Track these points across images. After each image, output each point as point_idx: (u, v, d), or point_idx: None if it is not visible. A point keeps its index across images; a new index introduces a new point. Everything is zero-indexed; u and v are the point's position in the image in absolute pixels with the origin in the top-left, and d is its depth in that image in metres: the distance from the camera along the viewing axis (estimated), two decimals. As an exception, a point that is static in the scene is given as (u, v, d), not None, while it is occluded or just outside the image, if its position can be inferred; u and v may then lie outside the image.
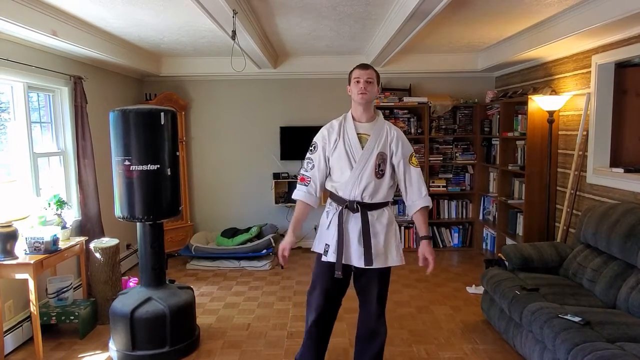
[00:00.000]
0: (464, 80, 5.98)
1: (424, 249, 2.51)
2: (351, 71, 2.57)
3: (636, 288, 2.80)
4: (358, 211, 2.49)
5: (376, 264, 2.48)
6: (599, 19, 3.21)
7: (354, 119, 2.57)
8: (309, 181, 2.57)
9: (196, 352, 3.28)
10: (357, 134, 2.53)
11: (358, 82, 2.49)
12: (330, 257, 2.50)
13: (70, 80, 4.11)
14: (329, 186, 2.61)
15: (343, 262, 2.47)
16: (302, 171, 2.61)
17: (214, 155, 6.06)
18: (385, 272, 2.56)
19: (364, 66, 2.54)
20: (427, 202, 2.60)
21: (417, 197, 2.60)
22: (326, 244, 2.53)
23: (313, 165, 2.57)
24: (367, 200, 2.49)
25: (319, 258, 2.58)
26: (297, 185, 2.61)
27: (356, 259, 2.48)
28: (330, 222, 2.54)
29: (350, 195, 2.50)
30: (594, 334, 2.47)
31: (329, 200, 2.62)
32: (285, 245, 2.54)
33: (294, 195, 2.61)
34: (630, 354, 2.24)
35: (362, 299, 2.63)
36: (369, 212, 2.51)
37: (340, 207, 2.52)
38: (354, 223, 2.50)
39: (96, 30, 3.99)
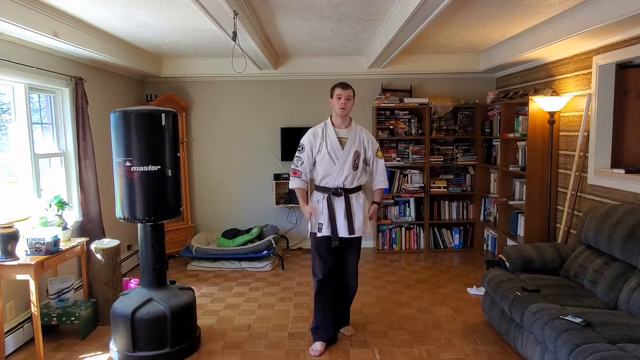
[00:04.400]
0: (464, 81, 5.98)
1: (373, 208, 3.41)
2: (333, 88, 3.27)
3: (637, 289, 2.80)
4: (342, 195, 3.24)
5: (358, 233, 3.26)
6: (600, 19, 3.21)
7: (334, 125, 3.29)
8: (300, 173, 3.30)
9: (197, 353, 3.28)
10: (338, 138, 3.25)
11: (339, 98, 3.21)
12: (325, 232, 3.22)
13: (71, 81, 4.11)
14: (317, 180, 3.30)
15: (333, 234, 3.21)
16: (293, 166, 3.33)
17: (214, 156, 6.06)
18: (360, 241, 3.39)
19: (344, 85, 3.26)
20: (385, 185, 3.42)
21: (378, 181, 3.41)
22: (320, 223, 3.24)
23: (302, 162, 3.29)
24: (347, 186, 3.25)
25: (314, 236, 3.28)
26: (291, 177, 3.33)
27: (343, 231, 3.23)
28: (322, 207, 3.24)
29: (335, 183, 3.24)
30: (595, 335, 2.47)
31: (315, 193, 3.33)
32: (309, 211, 3.26)
33: (291, 185, 3.34)
34: (631, 355, 2.23)
35: (344, 260, 3.37)
36: (349, 195, 3.26)
37: (327, 194, 3.24)
38: (339, 204, 3.24)
39: (97, 32, 4.00)
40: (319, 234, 3.23)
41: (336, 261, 3.31)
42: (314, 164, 3.30)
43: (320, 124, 3.32)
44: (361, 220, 3.26)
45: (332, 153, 3.22)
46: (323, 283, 3.28)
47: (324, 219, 3.22)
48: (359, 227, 3.26)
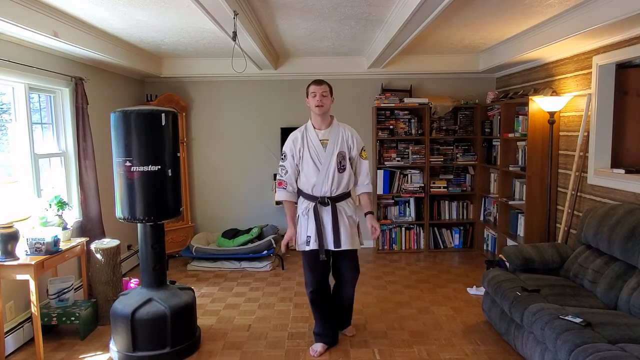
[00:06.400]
0: (464, 81, 5.98)
1: (371, 220, 3.15)
2: (308, 86, 3.09)
3: (637, 289, 2.80)
4: (329, 204, 3.04)
5: (345, 247, 3.03)
6: (600, 19, 3.21)
7: (314, 127, 3.10)
8: (286, 184, 3.12)
9: (197, 353, 3.28)
10: (320, 140, 3.06)
11: (314, 95, 3.02)
12: (313, 246, 3.04)
13: (71, 81, 4.11)
14: (303, 188, 3.11)
15: (320, 247, 3.02)
16: (278, 177, 3.15)
17: (214, 156, 6.06)
18: (353, 251, 3.15)
19: (318, 82, 3.07)
20: (369, 189, 3.19)
21: (361, 184, 3.18)
22: (307, 236, 3.06)
23: (287, 171, 3.10)
24: (334, 193, 3.04)
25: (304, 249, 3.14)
26: (277, 189, 3.15)
27: (330, 244, 3.03)
28: (308, 218, 3.07)
29: (321, 191, 3.04)
30: (595, 335, 2.47)
31: (301, 199, 3.15)
32: (290, 236, 3.11)
33: (278, 197, 3.17)
34: (631, 355, 2.23)
35: (339, 272, 3.21)
36: (337, 204, 3.05)
37: (314, 203, 3.04)
38: (326, 215, 3.04)
39: (97, 32, 4.00)
40: (307, 248, 3.08)
41: (327, 272, 3.20)
42: (299, 171, 3.12)
43: (301, 127, 3.15)
44: (349, 231, 3.05)
45: (316, 158, 3.03)
46: (315, 294, 3.20)
47: (311, 231, 3.04)
48: (346, 239, 3.03)
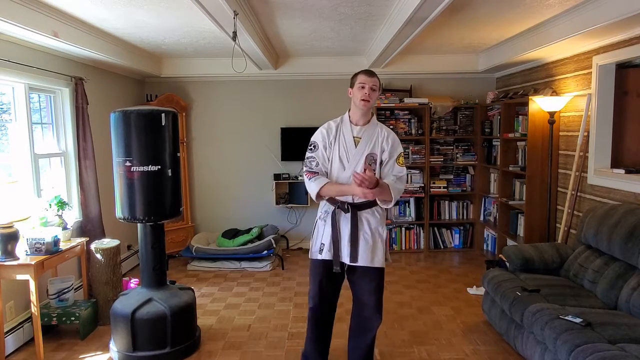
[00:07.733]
0: (464, 81, 5.98)
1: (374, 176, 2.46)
2: (356, 74, 2.65)
3: (637, 289, 2.80)
4: (349, 211, 2.63)
5: (362, 262, 2.62)
6: (600, 19, 3.21)
7: (351, 121, 2.70)
8: (318, 174, 2.66)
9: (197, 353, 3.28)
10: (354, 137, 2.67)
11: (363, 87, 2.59)
12: (325, 255, 2.66)
13: (71, 81, 4.11)
14: None
15: (335, 258, 2.64)
16: (306, 169, 2.70)
17: (214, 156, 6.06)
18: (376, 270, 2.67)
19: (370, 73, 2.63)
20: (396, 196, 2.60)
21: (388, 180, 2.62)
22: (321, 243, 2.69)
23: (317, 163, 2.68)
24: (357, 199, 2.62)
25: (316, 258, 2.74)
26: (309, 180, 2.66)
27: (345, 256, 2.64)
28: (325, 224, 2.70)
29: (342, 196, 2.63)
30: (595, 335, 2.47)
31: (322, 203, 2.75)
32: (356, 187, 2.45)
33: (315, 188, 2.62)
34: (631, 355, 2.23)
35: (355, 292, 2.77)
36: (358, 212, 2.64)
37: (333, 208, 2.66)
38: (345, 223, 2.65)
39: (97, 32, 4.00)
40: (319, 257, 2.70)
41: (337, 290, 2.81)
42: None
43: (336, 119, 2.76)
44: (369, 245, 2.63)
45: (344, 156, 2.65)
46: (315, 312, 2.81)
47: (326, 238, 2.68)
48: (365, 254, 2.62)
